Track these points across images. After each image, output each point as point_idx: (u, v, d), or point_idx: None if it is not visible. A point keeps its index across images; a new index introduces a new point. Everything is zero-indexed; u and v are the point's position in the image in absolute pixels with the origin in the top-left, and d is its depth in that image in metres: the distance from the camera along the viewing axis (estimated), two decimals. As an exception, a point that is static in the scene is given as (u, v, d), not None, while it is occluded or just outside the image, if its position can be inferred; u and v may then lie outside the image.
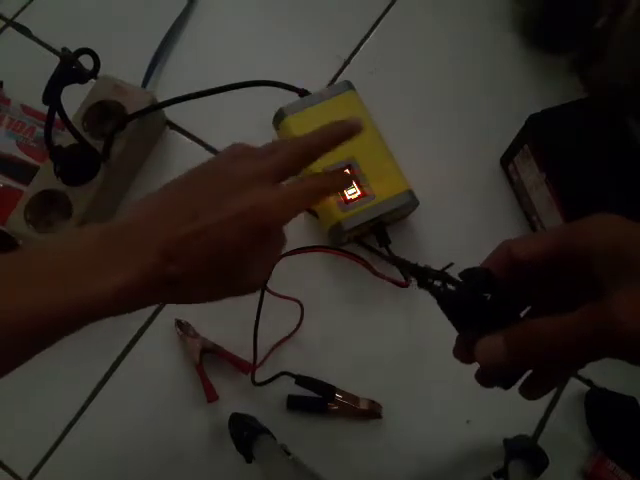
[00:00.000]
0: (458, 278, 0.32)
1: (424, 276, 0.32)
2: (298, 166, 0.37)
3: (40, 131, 0.70)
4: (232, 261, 0.33)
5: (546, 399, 0.61)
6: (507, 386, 0.33)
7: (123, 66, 0.68)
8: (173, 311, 0.63)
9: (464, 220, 0.67)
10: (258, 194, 0.33)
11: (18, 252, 0.32)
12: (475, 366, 0.32)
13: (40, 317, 0.29)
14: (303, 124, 0.64)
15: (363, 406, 0.59)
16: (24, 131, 0.70)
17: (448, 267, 0.32)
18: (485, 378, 0.33)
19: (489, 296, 0.30)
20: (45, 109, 0.54)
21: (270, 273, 0.49)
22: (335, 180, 0.39)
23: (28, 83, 0.60)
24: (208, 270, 0.32)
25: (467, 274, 0.31)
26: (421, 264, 0.33)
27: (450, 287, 0.32)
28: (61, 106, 0.55)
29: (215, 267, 0.32)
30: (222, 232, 0.32)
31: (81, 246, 0.32)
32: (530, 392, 0.32)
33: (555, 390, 0.61)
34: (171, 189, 0.35)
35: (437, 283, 0.32)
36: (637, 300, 0.25)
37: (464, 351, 0.32)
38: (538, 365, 0.30)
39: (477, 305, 0.30)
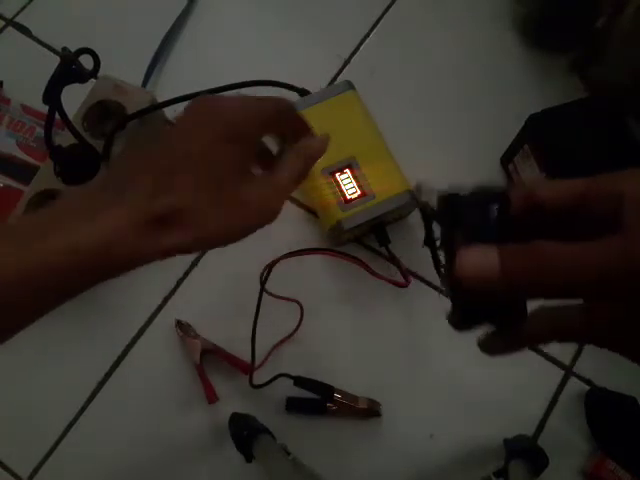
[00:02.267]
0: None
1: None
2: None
3: (40, 131, 0.70)
4: (224, 175, 0.32)
5: (546, 399, 0.61)
6: (467, 320, 0.27)
7: (123, 66, 0.68)
8: (173, 311, 0.63)
9: (464, 220, 0.67)
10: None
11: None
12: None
13: (37, 268, 0.28)
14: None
15: (362, 405, 0.59)
16: (24, 131, 0.70)
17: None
18: (457, 307, 0.28)
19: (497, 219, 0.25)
20: (45, 109, 0.54)
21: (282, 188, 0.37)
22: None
23: (28, 83, 0.60)
24: (201, 193, 0.31)
25: (481, 191, 0.26)
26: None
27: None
28: (61, 106, 0.55)
29: (207, 186, 0.31)
30: (203, 152, 0.31)
31: (75, 198, 0.31)
32: (499, 343, 0.29)
33: (555, 390, 0.61)
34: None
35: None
36: None
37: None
38: (530, 295, 0.25)
39: (483, 226, 0.25)
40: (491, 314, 0.27)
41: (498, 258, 0.24)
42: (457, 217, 0.26)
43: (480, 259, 0.24)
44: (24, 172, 0.68)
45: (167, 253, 0.31)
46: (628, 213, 0.24)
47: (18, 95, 0.72)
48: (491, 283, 0.24)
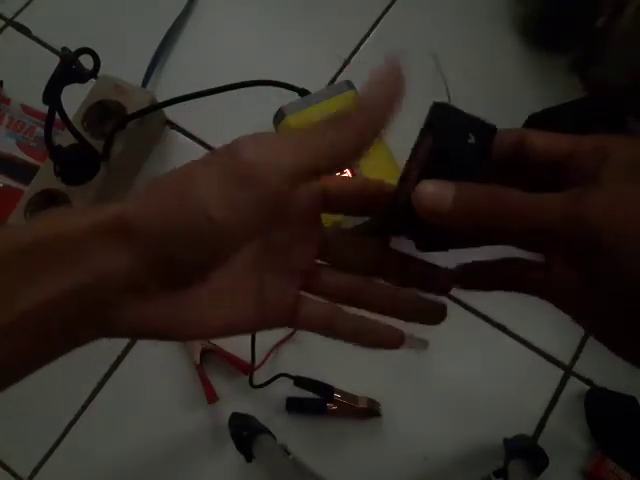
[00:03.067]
0: None
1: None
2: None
3: (40, 131, 0.70)
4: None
5: (546, 399, 0.61)
6: (422, 245, 0.29)
7: (123, 66, 0.68)
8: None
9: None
10: None
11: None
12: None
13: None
14: (303, 124, 0.64)
15: (362, 404, 0.59)
16: (24, 131, 0.70)
17: None
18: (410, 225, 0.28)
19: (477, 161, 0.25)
20: (45, 109, 0.54)
21: None
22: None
23: (28, 83, 0.60)
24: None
25: (475, 119, 0.26)
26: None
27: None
28: (61, 106, 0.55)
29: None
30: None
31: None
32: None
33: (555, 390, 0.61)
34: None
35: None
36: (620, 194, 0.22)
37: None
38: (477, 231, 0.25)
39: (454, 149, 0.25)
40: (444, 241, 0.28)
41: (453, 195, 0.24)
42: (436, 131, 0.26)
43: (436, 191, 0.24)
44: (24, 172, 0.67)
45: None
46: (608, 170, 0.23)
47: (18, 95, 0.72)
48: (441, 216, 0.24)
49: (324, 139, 0.25)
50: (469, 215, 0.24)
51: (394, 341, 0.32)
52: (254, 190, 0.23)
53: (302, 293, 0.28)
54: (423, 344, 0.30)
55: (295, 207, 0.25)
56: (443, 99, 0.69)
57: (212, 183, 0.23)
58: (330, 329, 0.30)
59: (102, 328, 0.25)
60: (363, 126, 0.27)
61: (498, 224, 0.24)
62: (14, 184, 0.68)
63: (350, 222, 0.61)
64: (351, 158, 0.26)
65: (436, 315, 0.31)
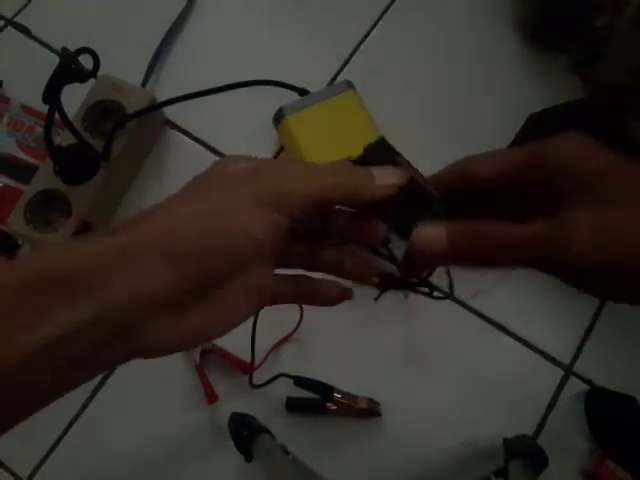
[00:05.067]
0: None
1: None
2: None
3: (40, 130, 0.70)
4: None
5: (546, 399, 0.61)
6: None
7: (123, 66, 0.68)
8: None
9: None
10: None
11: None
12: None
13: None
14: (303, 123, 0.64)
15: (362, 405, 0.59)
16: (24, 130, 0.70)
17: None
18: (408, 266, 0.33)
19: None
20: (45, 108, 0.54)
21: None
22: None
23: (28, 82, 0.60)
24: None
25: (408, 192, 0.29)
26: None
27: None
28: (61, 106, 0.55)
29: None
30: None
31: None
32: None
33: (555, 390, 0.61)
34: None
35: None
36: (597, 221, 0.24)
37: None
38: (473, 262, 0.28)
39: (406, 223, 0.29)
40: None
41: (446, 235, 0.27)
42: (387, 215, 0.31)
43: (430, 235, 0.27)
44: (24, 172, 0.67)
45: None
46: (564, 192, 0.25)
47: (18, 95, 0.72)
48: (439, 257, 0.27)
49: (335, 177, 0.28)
50: (462, 255, 0.27)
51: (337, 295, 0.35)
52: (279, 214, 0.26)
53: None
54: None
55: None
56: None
57: (245, 205, 0.26)
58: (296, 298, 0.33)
59: (133, 350, 0.26)
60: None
61: (488, 258, 0.26)
62: (14, 184, 0.68)
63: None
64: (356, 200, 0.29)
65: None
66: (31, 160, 0.69)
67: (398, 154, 0.33)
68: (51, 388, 0.24)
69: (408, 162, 0.32)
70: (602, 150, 0.26)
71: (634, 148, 0.60)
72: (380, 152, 0.33)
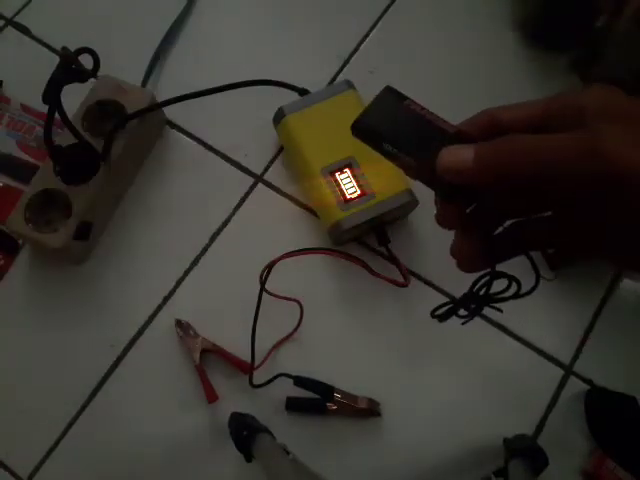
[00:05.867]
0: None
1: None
2: None
3: (40, 130, 0.70)
4: None
5: (546, 399, 0.61)
6: (449, 196, 0.31)
7: (123, 66, 0.68)
8: (173, 311, 0.63)
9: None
10: None
11: None
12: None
13: None
14: (303, 123, 0.64)
15: (362, 404, 0.59)
16: (24, 130, 0.71)
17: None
18: (440, 190, 0.31)
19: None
20: (45, 108, 0.54)
21: None
22: None
23: (28, 82, 0.60)
24: None
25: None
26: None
27: None
28: (61, 105, 0.55)
29: None
30: None
31: None
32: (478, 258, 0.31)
33: (555, 390, 0.61)
34: None
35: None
36: (630, 131, 0.23)
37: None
38: (503, 191, 0.27)
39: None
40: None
41: (473, 153, 0.26)
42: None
43: (457, 153, 0.27)
44: (24, 172, 0.68)
45: None
46: (590, 122, 0.24)
47: (18, 94, 0.72)
48: (464, 176, 0.27)
49: None
50: (489, 169, 0.26)
51: None
52: None
53: None
54: None
55: None
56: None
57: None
58: None
59: None
60: None
61: (515, 171, 0.25)
62: (14, 184, 0.68)
63: (350, 222, 0.61)
64: None
65: None
66: (31, 160, 0.69)
67: (407, 98, 0.33)
68: None
69: (419, 105, 0.33)
70: (628, 96, 0.26)
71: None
72: (389, 99, 0.34)
